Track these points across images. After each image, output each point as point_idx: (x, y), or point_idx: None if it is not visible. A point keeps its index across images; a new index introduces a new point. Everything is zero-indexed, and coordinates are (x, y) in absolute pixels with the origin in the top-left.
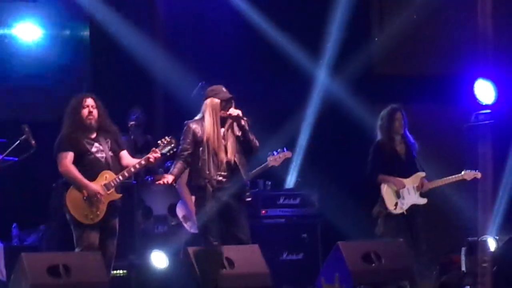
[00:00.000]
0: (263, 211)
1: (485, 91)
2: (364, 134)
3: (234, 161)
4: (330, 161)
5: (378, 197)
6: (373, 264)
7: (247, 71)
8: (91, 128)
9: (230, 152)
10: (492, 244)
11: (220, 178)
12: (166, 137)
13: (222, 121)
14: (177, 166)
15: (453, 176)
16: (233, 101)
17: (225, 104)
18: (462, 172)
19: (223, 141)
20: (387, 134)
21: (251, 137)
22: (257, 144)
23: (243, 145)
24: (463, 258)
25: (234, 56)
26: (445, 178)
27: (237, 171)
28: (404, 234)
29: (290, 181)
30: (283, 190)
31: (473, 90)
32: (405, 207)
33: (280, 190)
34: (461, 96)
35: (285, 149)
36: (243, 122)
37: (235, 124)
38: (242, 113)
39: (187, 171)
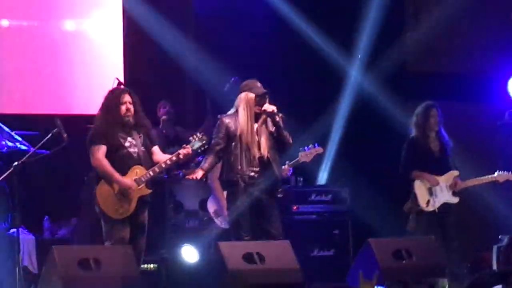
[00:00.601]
0: (295, 207)
1: None
2: (396, 132)
3: (267, 157)
4: (362, 158)
5: (409, 194)
6: (404, 261)
7: (280, 66)
8: (127, 125)
9: (263, 148)
10: None
11: (252, 173)
12: (198, 133)
13: (256, 117)
14: (208, 160)
15: (486, 177)
16: (267, 96)
17: (259, 99)
18: (495, 174)
19: (256, 136)
20: (421, 130)
21: (285, 133)
22: (291, 141)
23: (277, 141)
24: (494, 256)
25: (266, 52)
26: (478, 178)
27: (270, 167)
28: (435, 232)
29: (322, 177)
30: (314, 186)
31: (507, 88)
32: (437, 204)
33: (311, 186)
34: (494, 94)
35: (316, 145)
36: (277, 118)
37: (269, 119)
38: (277, 109)
39: (219, 166)
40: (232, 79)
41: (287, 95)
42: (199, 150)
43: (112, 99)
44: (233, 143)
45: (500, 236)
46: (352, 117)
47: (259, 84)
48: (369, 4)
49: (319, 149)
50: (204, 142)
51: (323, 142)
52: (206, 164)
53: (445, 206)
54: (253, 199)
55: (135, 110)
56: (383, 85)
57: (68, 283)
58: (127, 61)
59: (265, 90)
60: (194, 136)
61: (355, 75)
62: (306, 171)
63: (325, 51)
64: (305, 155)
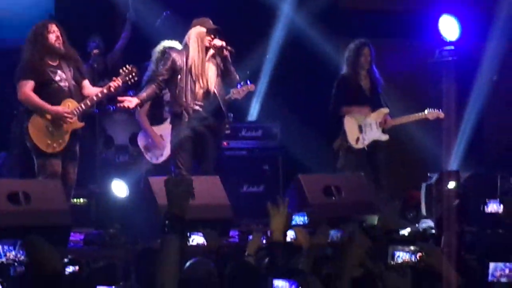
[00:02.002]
0: (225, 143)
1: (449, 27)
2: (327, 69)
3: (214, 92)
4: (293, 94)
5: (340, 131)
6: (334, 198)
7: (212, 1)
8: (58, 53)
9: (210, 82)
10: (453, 179)
11: (197, 107)
12: (127, 66)
13: (206, 52)
14: (147, 90)
15: (416, 114)
16: (217, 32)
17: (209, 34)
18: (426, 111)
19: (206, 70)
20: (352, 68)
21: (232, 68)
22: (237, 77)
23: (224, 76)
24: (423, 194)
25: None
26: (407, 116)
27: (216, 102)
28: (364, 169)
29: (253, 113)
30: (245, 122)
31: (438, 26)
32: (367, 142)
33: (242, 122)
34: (425, 32)
35: (248, 82)
36: (226, 52)
37: (217, 55)
38: (226, 43)
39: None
40: (164, 14)
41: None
42: (129, 83)
43: (39, 29)
44: (179, 76)
45: (428, 174)
46: (284, 54)
47: (210, 21)
48: None
49: (251, 86)
50: (133, 74)
51: (254, 78)
52: (144, 94)
53: (374, 143)
54: (196, 133)
55: (63, 41)
56: (315, 22)
57: None
58: None
59: (216, 26)
60: (124, 69)
61: (286, 11)
62: (237, 107)
63: None
64: (237, 92)
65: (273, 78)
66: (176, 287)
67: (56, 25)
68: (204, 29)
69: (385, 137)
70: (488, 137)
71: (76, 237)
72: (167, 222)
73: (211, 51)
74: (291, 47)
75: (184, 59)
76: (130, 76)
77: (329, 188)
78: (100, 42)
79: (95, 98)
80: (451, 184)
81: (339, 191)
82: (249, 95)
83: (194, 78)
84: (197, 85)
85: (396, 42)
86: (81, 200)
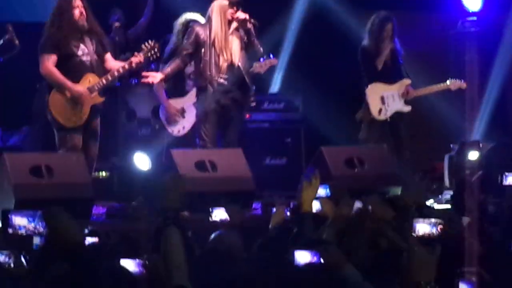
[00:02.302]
0: (247, 115)
1: None
2: (349, 40)
3: (238, 65)
4: (315, 67)
5: (362, 103)
6: (356, 169)
7: None
8: (81, 29)
9: (234, 55)
10: (475, 151)
11: (222, 80)
12: (149, 41)
13: (229, 25)
14: (172, 65)
15: (438, 85)
16: (240, 5)
17: (232, 7)
18: (448, 82)
19: (229, 43)
20: (374, 41)
21: (256, 41)
22: (261, 50)
23: (247, 49)
24: (446, 165)
25: None
26: (430, 87)
27: (240, 75)
28: (387, 141)
29: (275, 85)
30: (267, 95)
31: None
32: (389, 113)
33: (264, 94)
34: (447, 2)
35: (271, 56)
36: (249, 25)
37: (240, 28)
38: (250, 16)
39: None
40: None
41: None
42: (150, 58)
43: (64, 3)
44: (203, 50)
45: (451, 145)
46: (306, 25)
47: None
48: None
49: (274, 61)
50: (156, 49)
51: (276, 50)
52: (168, 69)
53: (397, 114)
54: (220, 106)
55: (86, 15)
56: None
57: (19, 190)
58: None
59: None
60: (146, 44)
61: None
62: (259, 79)
63: None
64: (259, 66)
65: (295, 50)
66: (186, 274)
67: (81, 0)
68: (226, 2)
69: (407, 108)
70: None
71: (98, 210)
72: (166, 215)
73: (234, 24)
74: (313, 19)
75: (208, 33)
76: (152, 52)
77: (351, 160)
78: (121, 15)
79: (116, 73)
80: (473, 155)
81: (362, 163)
82: (271, 68)
83: (217, 51)
84: (221, 58)
85: (418, 14)
86: (104, 173)
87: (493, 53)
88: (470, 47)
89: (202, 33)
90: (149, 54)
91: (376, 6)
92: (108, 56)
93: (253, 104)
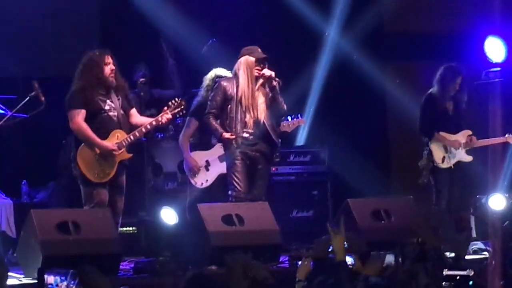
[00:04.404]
0: (274, 168)
1: (495, 49)
2: (373, 92)
3: (263, 121)
4: (340, 119)
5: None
6: (383, 222)
7: (258, 28)
8: (110, 86)
9: (260, 112)
10: (502, 201)
11: (247, 135)
12: (176, 98)
13: (255, 81)
14: (218, 123)
15: (498, 138)
16: (266, 61)
17: (258, 64)
18: (506, 135)
19: (256, 100)
20: (443, 90)
21: (280, 99)
22: (285, 107)
23: (271, 106)
24: (472, 216)
25: (244, 13)
26: (490, 139)
27: (265, 131)
28: (449, 188)
29: (301, 138)
30: (293, 147)
31: (483, 48)
32: (453, 161)
33: (290, 147)
34: (471, 54)
35: (299, 116)
36: (274, 83)
37: (266, 85)
38: (275, 74)
39: (191, 129)
40: (210, 41)
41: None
42: (177, 116)
43: (96, 60)
44: (229, 106)
45: (478, 196)
46: (330, 78)
47: (259, 50)
48: None
49: (302, 121)
50: (182, 107)
51: (301, 102)
52: (219, 127)
53: (458, 163)
54: (248, 157)
55: (115, 72)
56: (361, 46)
57: (47, 247)
58: (105, 22)
59: (265, 55)
60: (173, 101)
61: (332, 35)
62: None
63: (303, 11)
64: (287, 125)
65: (320, 102)
66: None
67: (111, 57)
68: (253, 59)
69: (469, 158)
70: None
71: (126, 265)
72: None
73: (260, 81)
74: (337, 71)
75: (235, 89)
76: (179, 109)
77: (378, 212)
78: (146, 71)
79: (144, 129)
80: (499, 206)
81: (389, 215)
82: None
83: (244, 108)
84: (247, 115)
85: (442, 64)
86: (131, 228)
87: None
88: (494, 97)
89: (229, 88)
90: (176, 111)
91: (400, 57)
92: (134, 111)
93: (278, 159)
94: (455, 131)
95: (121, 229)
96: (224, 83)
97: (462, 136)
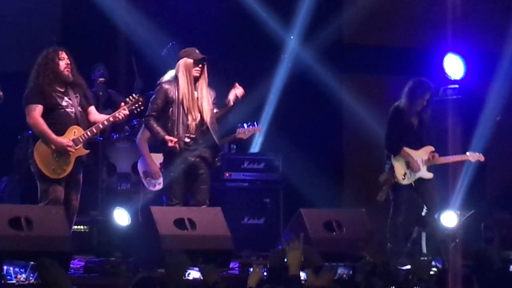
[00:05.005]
0: (227, 174)
1: (454, 66)
2: (330, 103)
3: (206, 123)
4: (296, 128)
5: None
6: (334, 233)
7: (218, 33)
8: (66, 81)
9: (205, 113)
10: (453, 218)
11: (188, 140)
12: (134, 95)
13: (195, 82)
14: (159, 126)
15: (459, 156)
16: (205, 62)
17: (197, 65)
18: (467, 153)
19: (197, 101)
20: (410, 104)
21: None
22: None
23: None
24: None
25: (204, 19)
26: (452, 156)
27: (208, 133)
28: (409, 205)
29: (255, 145)
30: (247, 154)
31: (443, 65)
32: (413, 178)
33: (244, 154)
34: (430, 70)
35: (255, 124)
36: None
37: (206, 85)
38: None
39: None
40: (170, 44)
41: (224, 62)
42: (135, 112)
43: (51, 55)
44: (171, 109)
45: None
46: (288, 87)
47: (197, 51)
48: None
49: (258, 129)
50: (140, 103)
51: (258, 110)
52: (161, 129)
53: (420, 181)
54: (188, 164)
55: (71, 68)
56: (320, 57)
57: None
58: (65, 21)
59: (203, 56)
60: (131, 98)
61: (292, 46)
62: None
63: (263, 20)
64: (243, 132)
65: (277, 111)
66: None
67: (66, 53)
68: (191, 60)
69: (430, 175)
70: (490, 176)
71: (76, 264)
72: None
73: (203, 82)
74: (295, 81)
75: (176, 92)
76: (137, 105)
77: (330, 223)
78: (105, 71)
79: (101, 125)
80: (451, 223)
81: (340, 226)
82: None
83: (186, 111)
84: (190, 118)
85: (401, 79)
86: (83, 227)
87: (475, 120)
88: (453, 114)
89: (170, 91)
90: (133, 107)
91: (358, 69)
92: (92, 109)
93: (219, 164)
94: (418, 147)
95: (73, 227)
96: (166, 86)
97: (424, 152)
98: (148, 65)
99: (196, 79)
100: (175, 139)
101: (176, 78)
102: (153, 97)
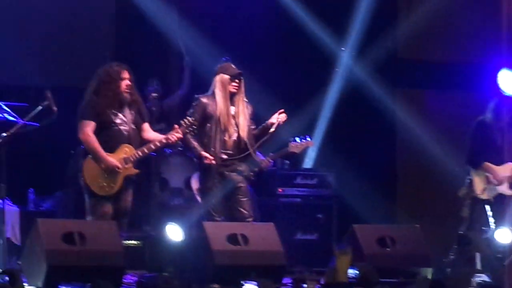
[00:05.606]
0: (280, 190)
1: (508, 81)
2: (384, 119)
3: (244, 138)
4: (350, 144)
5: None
6: (388, 249)
7: (271, 49)
8: (124, 100)
9: (241, 129)
10: (508, 235)
11: (225, 156)
12: (189, 118)
13: (231, 97)
14: (196, 140)
15: None
16: (242, 77)
17: (233, 80)
18: None
19: (232, 118)
20: (495, 122)
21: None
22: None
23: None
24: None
25: (257, 34)
26: None
27: (246, 149)
28: (482, 221)
29: (308, 160)
30: (300, 170)
31: (496, 79)
32: (493, 194)
33: (297, 169)
34: (484, 85)
35: (307, 137)
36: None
37: (245, 102)
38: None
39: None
40: (224, 59)
41: (278, 78)
42: (188, 135)
43: (113, 73)
44: (208, 124)
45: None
46: (342, 102)
47: (233, 66)
48: None
49: (310, 142)
50: (194, 126)
51: (311, 125)
52: (197, 146)
53: (500, 196)
54: (225, 179)
55: (131, 87)
56: (373, 72)
57: (51, 256)
58: (119, 36)
59: (239, 71)
60: (185, 120)
61: (346, 60)
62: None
63: (317, 35)
64: (295, 146)
65: (330, 126)
66: None
67: (129, 72)
68: (227, 76)
69: (510, 192)
70: None
71: (129, 279)
72: None
73: (241, 98)
74: (349, 96)
75: (214, 107)
76: (191, 128)
77: (383, 239)
78: (158, 86)
79: (153, 146)
80: (505, 240)
81: (394, 242)
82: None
83: (222, 127)
84: (226, 134)
85: (454, 94)
86: (135, 242)
87: None
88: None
89: (209, 106)
90: (187, 130)
91: (411, 85)
92: (146, 126)
93: (253, 178)
94: (500, 163)
95: (125, 242)
96: (204, 100)
97: (506, 169)
98: (200, 79)
99: (233, 95)
100: (211, 156)
101: (213, 93)
102: (190, 110)
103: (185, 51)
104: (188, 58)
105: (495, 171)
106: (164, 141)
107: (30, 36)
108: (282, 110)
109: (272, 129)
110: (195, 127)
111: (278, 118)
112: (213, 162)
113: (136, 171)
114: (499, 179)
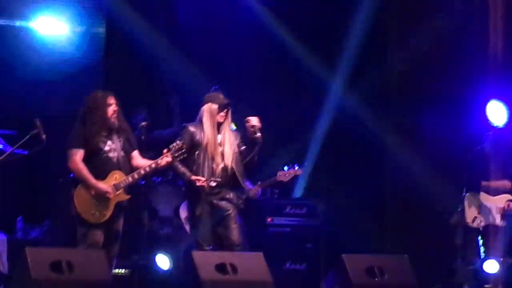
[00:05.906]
0: (269, 219)
1: (497, 113)
2: (374, 149)
3: (231, 167)
4: (339, 174)
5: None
6: (376, 279)
7: (261, 78)
8: (112, 127)
9: (226, 158)
10: (495, 266)
11: (214, 184)
12: (178, 142)
13: (219, 127)
14: (185, 166)
15: None
16: (230, 107)
17: (222, 110)
18: None
19: (219, 146)
20: (493, 152)
21: (256, 159)
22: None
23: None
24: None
25: (247, 63)
26: None
27: (234, 177)
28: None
29: (298, 190)
30: (290, 199)
31: (485, 111)
32: (483, 224)
33: (287, 198)
34: (472, 116)
35: (295, 166)
36: (258, 135)
37: (228, 129)
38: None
39: None
40: (213, 88)
41: (267, 107)
42: (177, 159)
43: (100, 100)
44: (197, 152)
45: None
46: (331, 133)
47: (221, 96)
48: (354, 22)
49: (298, 171)
50: (183, 150)
51: (300, 155)
52: (186, 171)
53: (492, 227)
54: (213, 206)
55: (118, 113)
56: (363, 103)
57: (39, 286)
58: (108, 66)
59: (227, 101)
60: (174, 145)
61: (335, 91)
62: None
63: (307, 66)
64: (283, 174)
65: (320, 156)
66: None
67: (115, 98)
68: (216, 105)
69: (502, 224)
70: None
71: None
72: None
73: (228, 126)
74: (338, 126)
75: (201, 136)
76: (180, 152)
77: (372, 269)
78: (147, 115)
79: (142, 171)
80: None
81: (382, 272)
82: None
83: (210, 155)
84: (214, 162)
85: (443, 126)
86: (124, 271)
87: None
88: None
89: (197, 134)
90: (176, 154)
91: (401, 115)
92: (135, 153)
93: (242, 207)
94: (495, 194)
95: (114, 271)
96: (192, 129)
97: (500, 200)
98: (190, 108)
99: (220, 123)
100: (203, 178)
101: (200, 122)
102: (179, 138)
103: (174, 90)
104: (176, 96)
105: (493, 186)
106: (153, 165)
107: (21, 69)
108: (247, 118)
109: (258, 135)
110: (183, 150)
111: (252, 124)
112: (204, 184)
113: (127, 196)
114: (488, 212)
